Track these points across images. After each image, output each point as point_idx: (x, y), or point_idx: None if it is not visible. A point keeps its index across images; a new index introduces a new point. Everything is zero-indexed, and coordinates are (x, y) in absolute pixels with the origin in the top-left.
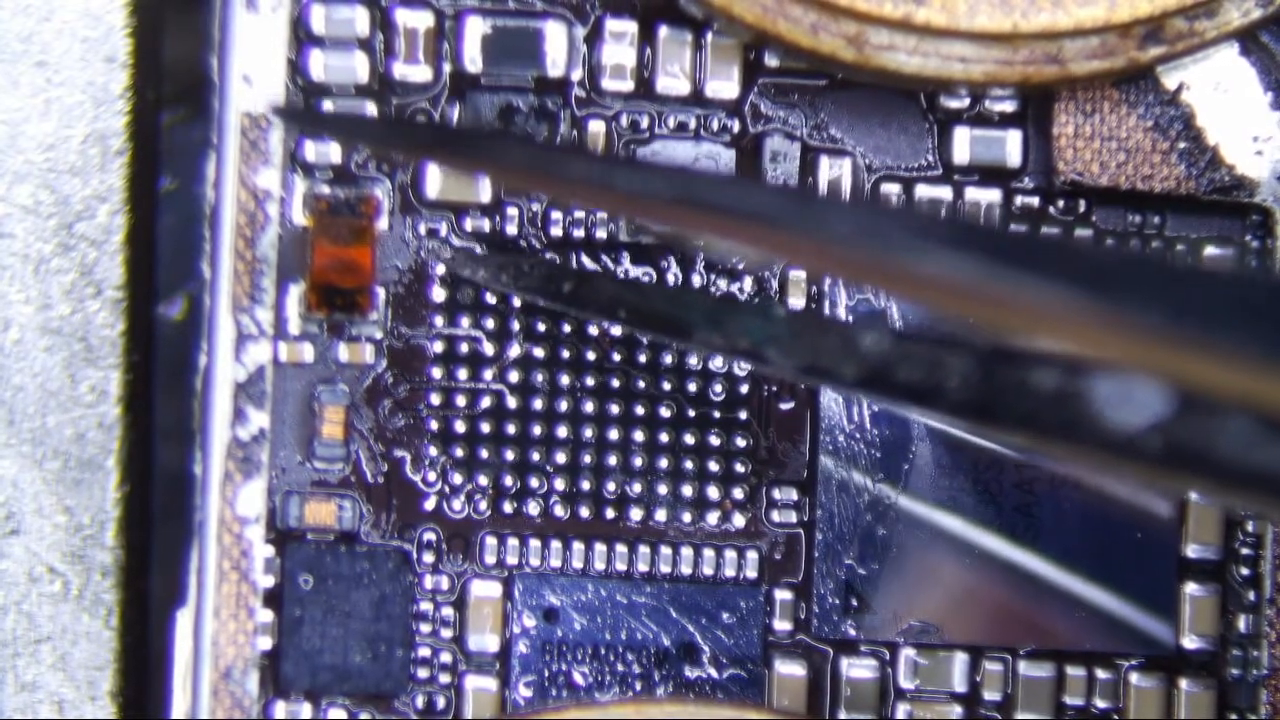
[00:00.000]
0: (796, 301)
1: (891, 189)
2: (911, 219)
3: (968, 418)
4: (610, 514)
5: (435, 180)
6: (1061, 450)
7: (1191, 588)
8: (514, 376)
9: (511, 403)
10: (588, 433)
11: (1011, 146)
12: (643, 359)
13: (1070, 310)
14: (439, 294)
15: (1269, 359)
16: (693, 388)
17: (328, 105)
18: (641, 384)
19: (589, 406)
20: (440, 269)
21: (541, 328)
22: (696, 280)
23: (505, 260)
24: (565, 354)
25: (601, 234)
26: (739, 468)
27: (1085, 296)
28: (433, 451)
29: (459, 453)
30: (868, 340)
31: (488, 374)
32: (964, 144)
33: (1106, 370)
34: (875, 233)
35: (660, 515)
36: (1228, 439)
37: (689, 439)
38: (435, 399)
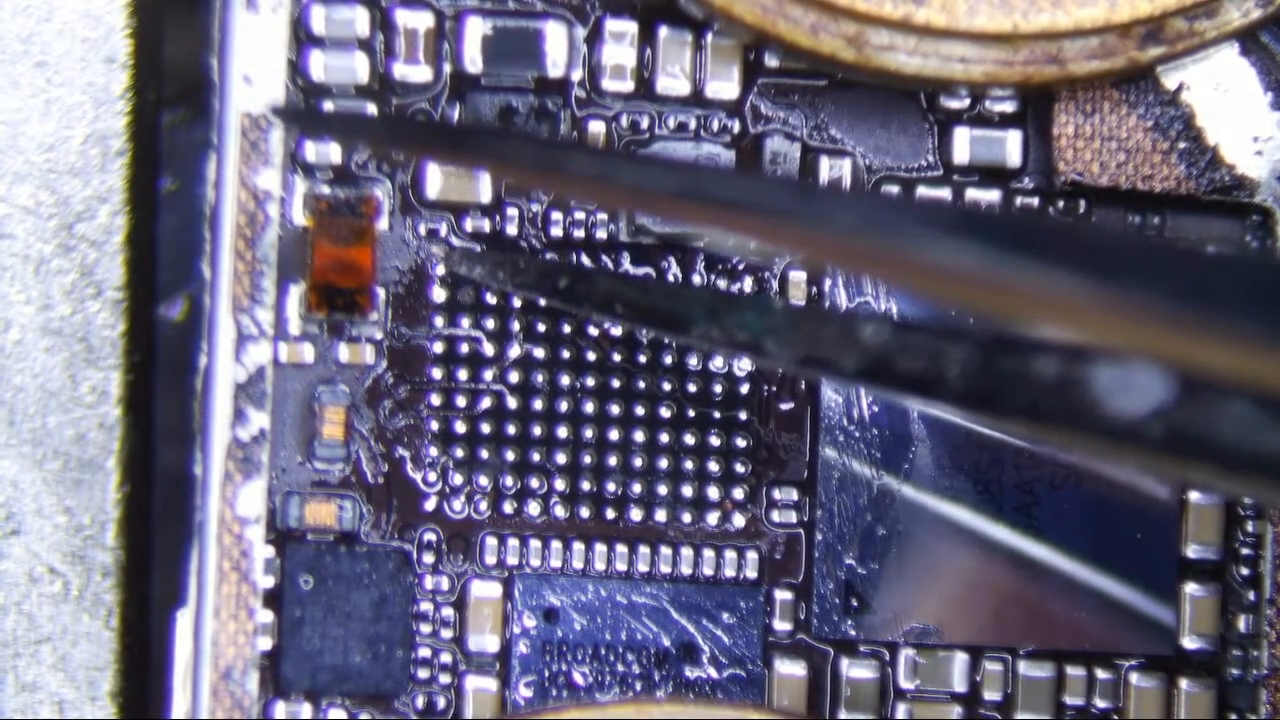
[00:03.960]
0: (797, 301)
1: (891, 190)
2: (914, 208)
3: (969, 407)
4: (610, 514)
5: (435, 180)
6: (1063, 438)
7: (1191, 588)
8: (514, 377)
9: (512, 403)
10: (588, 433)
11: (1011, 147)
12: (643, 359)
13: (1074, 295)
14: (439, 294)
15: (1271, 341)
16: (693, 388)
17: (328, 106)
18: (641, 384)
19: (589, 407)
20: (440, 269)
21: (542, 328)
22: (696, 280)
23: (501, 257)
24: (565, 354)
25: (602, 234)
26: (739, 468)
27: (1089, 281)
28: (433, 452)
29: (459, 453)
30: (867, 331)
31: (488, 374)
32: (964, 144)
33: (1107, 357)
34: (878, 223)
35: (660, 515)
36: (1229, 424)
37: (689, 439)
38: (435, 399)
